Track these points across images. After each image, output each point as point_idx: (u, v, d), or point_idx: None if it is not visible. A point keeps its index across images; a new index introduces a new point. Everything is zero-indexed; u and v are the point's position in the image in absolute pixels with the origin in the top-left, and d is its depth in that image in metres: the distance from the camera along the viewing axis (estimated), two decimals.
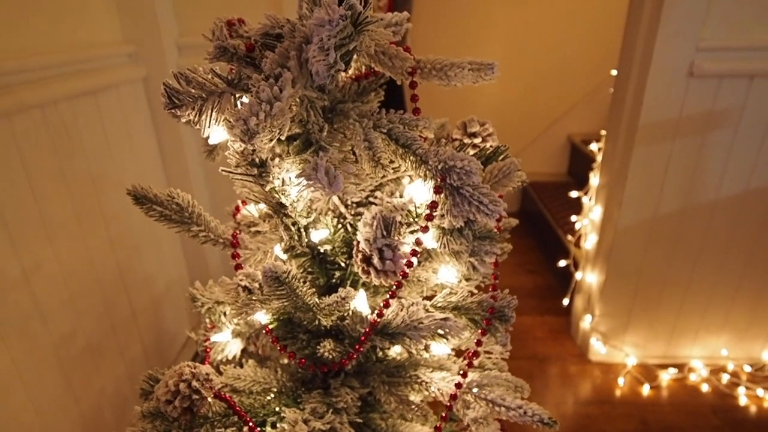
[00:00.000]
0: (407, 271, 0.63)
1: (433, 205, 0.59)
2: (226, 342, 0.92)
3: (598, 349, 2.19)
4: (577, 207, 2.50)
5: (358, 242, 0.63)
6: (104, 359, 1.50)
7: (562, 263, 2.42)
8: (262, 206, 0.78)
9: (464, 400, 0.70)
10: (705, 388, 2.03)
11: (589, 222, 2.18)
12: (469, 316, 0.73)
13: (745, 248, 1.93)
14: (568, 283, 2.45)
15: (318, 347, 0.69)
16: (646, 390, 2.04)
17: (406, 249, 0.64)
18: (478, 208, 0.55)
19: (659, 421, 1.90)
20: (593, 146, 2.35)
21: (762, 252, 1.93)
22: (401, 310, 0.67)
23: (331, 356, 0.69)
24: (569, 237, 2.36)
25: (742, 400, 1.96)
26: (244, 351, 0.98)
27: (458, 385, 0.70)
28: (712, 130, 1.75)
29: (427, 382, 0.74)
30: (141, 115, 1.74)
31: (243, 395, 0.79)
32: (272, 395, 0.78)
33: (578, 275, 2.29)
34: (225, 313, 0.89)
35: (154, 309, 1.79)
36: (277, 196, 0.67)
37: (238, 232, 0.77)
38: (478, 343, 0.72)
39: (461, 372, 0.71)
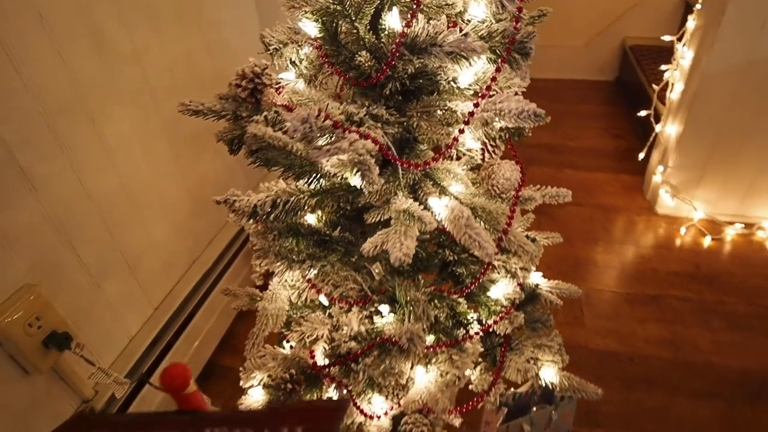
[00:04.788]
0: None
1: None
2: (293, 82, 1.04)
3: (666, 201, 2.17)
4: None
5: None
6: (205, 151, 1.66)
7: (643, 113, 2.35)
8: None
9: (481, 118, 0.78)
10: None
11: (678, 70, 2.08)
12: (491, 46, 0.79)
13: None
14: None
15: (356, 57, 0.78)
16: (707, 241, 2.03)
17: None
18: None
19: (712, 267, 1.91)
20: None
21: None
22: (427, 24, 0.74)
23: (367, 68, 0.79)
24: (654, 86, 2.27)
25: None
26: None
27: (476, 104, 0.78)
28: None
29: (453, 109, 0.82)
30: None
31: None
32: None
33: (658, 128, 2.23)
34: (292, 60, 0.99)
35: None
36: None
37: None
38: (497, 69, 0.78)
39: (480, 95, 0.78)
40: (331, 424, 0.64)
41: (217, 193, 1.74)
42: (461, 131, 0.80)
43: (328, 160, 0.73)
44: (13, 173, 1.03)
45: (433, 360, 0.94)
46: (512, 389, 1.17)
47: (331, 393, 1.04)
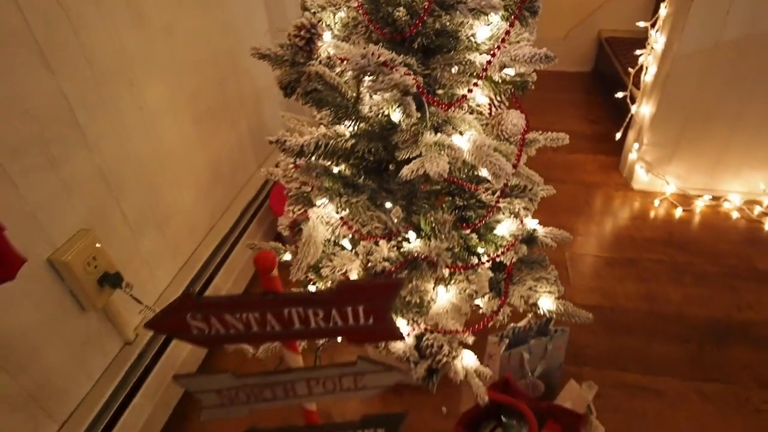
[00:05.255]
0: None
1: None
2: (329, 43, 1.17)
3: (641, 177, 2.36)
4: None
5: None
6: (221, 124, 1.79)
7: (620, 94, 2.55)
8: None
9: (500, 62, 0.93)
10: (735, 215, 2.19)
11: (651, 54, 2.28)
12: (506, 5, 0.95)
13: None
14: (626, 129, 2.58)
15: (395, 12, 0.93)
16: (678, 212, 2.22)
17: None
18: None
19: (683, 234, 2.10)
20: None
21: None
22: None
23: (402, 23, 0.93)
24: (629, 69, 2.48)
25: None
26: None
27: (493, 54, 0.93)
28: None
29: (472, 61, 0.97)
30: None
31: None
32: None
33: (633, 108, 2.43)
34: (327, 24, 1.13)
35: (256, 99, 2.07)
36: None
37: None
38: (511, 24, 0.94)
39: (497, 46, 0.94)
40: (386, 300, 0.79)
41: (231, 165, 1.89)
42: (480, 77, 0.95)
43: (372, 98, 0.88)
44: (73, 129, 1.15)
45: (452, 281, 1.10)
46: (512, 324, 1.33)
47: None
